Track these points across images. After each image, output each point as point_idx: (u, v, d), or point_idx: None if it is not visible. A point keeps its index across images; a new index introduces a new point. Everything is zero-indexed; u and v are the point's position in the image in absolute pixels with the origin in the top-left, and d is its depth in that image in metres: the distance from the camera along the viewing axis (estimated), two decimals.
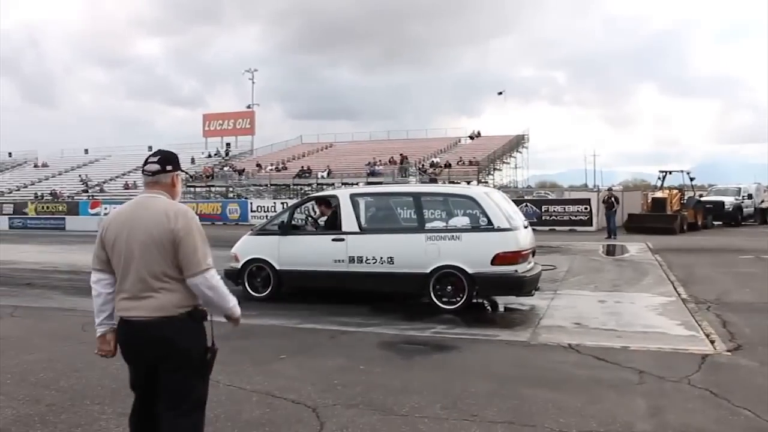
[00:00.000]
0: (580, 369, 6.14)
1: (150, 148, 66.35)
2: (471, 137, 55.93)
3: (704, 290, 10.69)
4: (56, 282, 13.18)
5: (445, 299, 9.07)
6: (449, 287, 9.05)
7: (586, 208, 27.96)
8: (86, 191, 52.58)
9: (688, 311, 8.97)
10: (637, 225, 25.74)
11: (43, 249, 22.31)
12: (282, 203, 33.98)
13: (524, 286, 9.00)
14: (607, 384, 5.62)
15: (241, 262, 10.38)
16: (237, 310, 3.33)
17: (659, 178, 29.20)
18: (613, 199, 24.06)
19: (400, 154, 46.11)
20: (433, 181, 38.41)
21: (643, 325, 8.23)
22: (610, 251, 18.76)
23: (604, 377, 5.83)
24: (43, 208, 44.31)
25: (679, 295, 10.37)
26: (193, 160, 55.83)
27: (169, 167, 3.25)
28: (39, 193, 52.49)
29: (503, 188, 38.13)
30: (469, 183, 36.07)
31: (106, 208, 40.14)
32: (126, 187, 51.26)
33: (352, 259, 9.61)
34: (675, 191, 27.50)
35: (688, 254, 16.79)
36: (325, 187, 39.93)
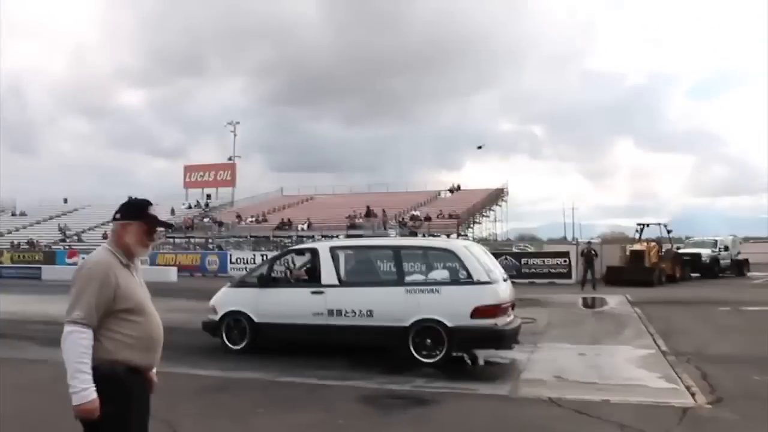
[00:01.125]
0: (561, 423, 6.08)
1: (130, 197, 66.25)
2: (451, 191, 56.35)
3: (684, 342, 10.72)
4: (30, 333, 12.90)
5: (424, 352, 9.00)
6: (429, 340, 8.98)
7: (565, 261, 28.12)
8: (64, 240, 51.99)
9: (668, 363, 8.97)
10: (616, 277, 25.90)
11: (17, 299, 21.87)
12: (262, 255, 33.76)
13: (504, 339, 8.96)
14: None
15: (220, 314, 10.26)
16: (76, 394, 2.88)
17: (637, 231, 29.55)
18: (593, 252, 24.36)
19: (383, 210, 46.31)
20: (413, 234, 38.47)
21: (623, 378, 8.20)
22: (590, 304, 18.81)
23: (585, 431, 5.77)
24: (19, 257, 43.62)
25: (658, 347, 10.38)
26: (173, 211, 55.55)
27: (117, 215, 3.25)
28: (16, 242, 51.77)
29: (483, 241, 38.30)
30: (448, 236, 36.15)
31: (83, 258, 39.66)
32: (105, 237, 50.74)
33: (331, 312, 9.53)
34: (653, 244, 27.79)
35: (666, 306, 16.88)
36: (305, 239, 39.84)
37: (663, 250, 27.86)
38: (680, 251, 30.13)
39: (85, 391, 2.86)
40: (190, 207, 59.33)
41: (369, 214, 45.62)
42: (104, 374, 2.94)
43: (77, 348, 2.89)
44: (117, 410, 2.95)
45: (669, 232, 29.36)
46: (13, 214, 63.99)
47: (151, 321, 3.15)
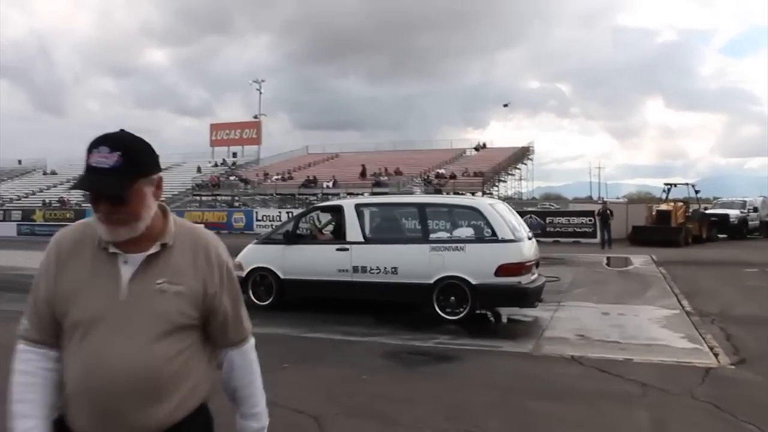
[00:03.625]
0: (583, 381, 6.10)
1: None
2: (476, 149, 55.91)
3: (708, 303, 10.63)
4: None
5: (448, 310, 9.05)
6: (453, 298, 9.03)
7: (590, 220, 27.85)
8: None
9: (692, 324, 8.93)
10: (641, 237, 25.67)
11: None
12: (287, 213, 33.95)
13: (527, 297, 8.97)
14: (610, 396, 5.59)
15: (246, 271, 10.37)
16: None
17: (664, 191, 29.12)
18: (608, 211, 24.29)
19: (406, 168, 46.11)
20: (438, 192, 38.35)
21: (646, 338, 8.18)
22: (614, 263, 18.69)
23: (607, 390, 5.80)
24: (51, 215, 44.40)
25: (683, 307, 10.32)
26: (199, 169, 55.97)
27: None
28: (47, 201, 52.66)
29: (508, 199, 38.06)
30: (473, 194, 36.00)
31: None
32: None
33: (356, 269, 9.61)
34: (680, 204, 27.40)
35: (692, 267, 16.71)
36: (330, 197, 39.92)
37: (690, 210, 27.49)
38: (708, 212, 29.70)
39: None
40: (216, 165, 59.67)
41: (395, 171, 45.50)
42: None
43: (14, 380, 1.76)
44: None
45: (697, 192, 28.89)
46: (44, 173, 64.96)
47: (97, 356, 1.69)
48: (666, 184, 29.31)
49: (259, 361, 2.03)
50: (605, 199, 33.31)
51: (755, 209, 31.08)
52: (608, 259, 19.93)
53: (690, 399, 5.45)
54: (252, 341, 2.02)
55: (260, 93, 65.85)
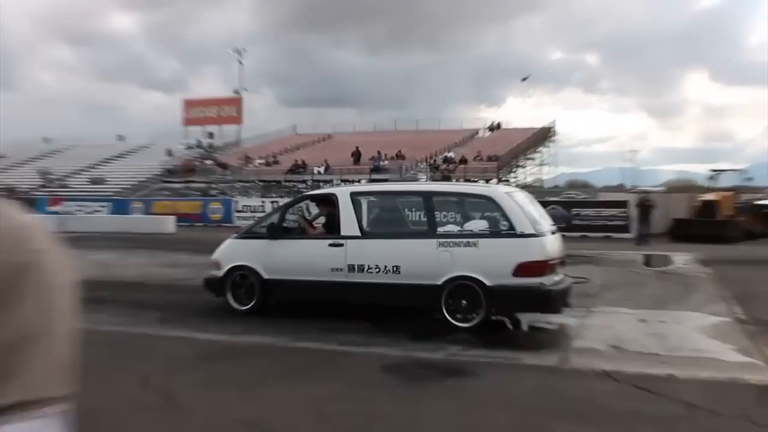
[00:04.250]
0: (618, 400, 6.06)
1: (121, 137, 66.67)
2: (491, 129, 55.88)
3: (763, 309, 10.57)
4: None
5: (459, 315, 9.01)
6: (464, 301, 8.99)
7: (623, 212, 27.78)
8: (46, 186, 52.66)
9: (745, 334, 8.88)
10: (683, 232, 25.61)
11: None
12: (272, 202, 33.93)
13: (551, 301, 8.93)
14: (649, 418, 5.54)
15: (224, 270, 10.34)
16: None
17: (710, 178, 29.11)
18: (649, 202, 24.07)
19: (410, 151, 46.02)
20: (447, 178, 38.34)
21: (691, 350, 8.14)
22: (653, 262, 18.65)
23: (646, 410, 5.75)
24: None
25: (734, 314, 10.28)
26: (170, 152, 55.92)
27: None
28: None
29: (527, 188, 37.99)
30: (487, 181, 35.97)
31: (68, 206, 40.17)
32: (93, 182, 51.35)
33: (351, 268, 9.56)
34: (728, 193, 27.37)
35: (744, 267, 16.67)
36: (322, 184, 39.87)
37: (740, 200, 27.45)
38: (761, 203, 29.67)
39: None
40: (189, 147, 59.61)
41: (396, 155, 45.47)
42: None
43: None
44: None
45: (748, 180, 28.89)
46: None
47: None
48: (712, 171, 29.36)
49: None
50: (646, 189, 33.27)
51: None
52: (645, 257, 19.90)
53: (746, 422, 5.38)
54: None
55: (241, 65, 65.75)
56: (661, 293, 12.65)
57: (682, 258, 18.79)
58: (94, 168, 55.70)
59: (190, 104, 64.84)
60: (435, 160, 45.55)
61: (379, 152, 45.16)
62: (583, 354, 7.84)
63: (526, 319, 9.75)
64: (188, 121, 63.59)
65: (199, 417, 5.29)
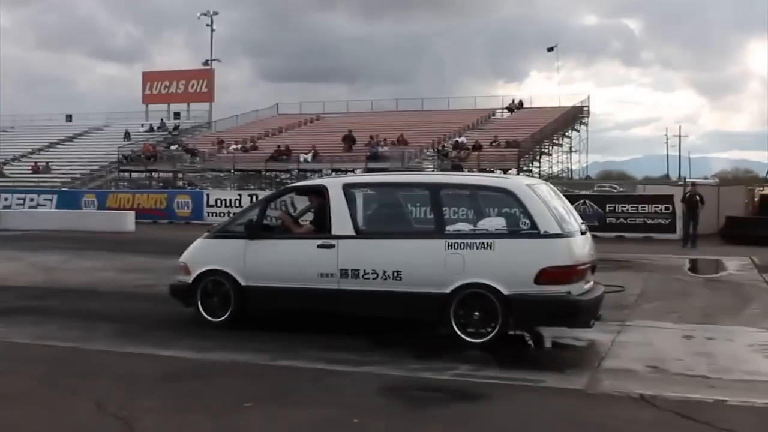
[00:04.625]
0: (657, 429, 6.12)
1: (69, 117, 66.53)
2: (510, 109, 55.91)
3: None
4: None
5: (470, 329, 9.04)
6: (477, 313, 9.02)
7: (667, 209, 27.83)
8: None
9: None
10: (738, 232, 25.66)
11: None
12: (250, 195, 33.99)
13: (580, 313, 8.96)
14: None
15: (194, 275, 10.37)
16: None
17: None
18: (697, 197, 24.08)
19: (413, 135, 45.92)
20: (458, 168, 38.36)
21: (745, 371, 8.18)
22: (701, 268, 18.70)
23: None
24: None
25: None
26: (128, 135, 55.88)
27: None
28: None
29: (553, 179, 38.07)
30: (506, 172, 36.01)
31: (6, 199, 40.16)
32: (35, 170, 51.27)
33: (344, 273, 9.58)
34: None
35: None
36: (309, 174, 39.89)
37: None
38: None
39: None
40: (151, 129, 59.59)
41: (398, 140, 45.47)
42: None
43: None
44: None
45: None
46: None
47: None
48: None
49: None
50: (693, 181, 33.31)
51: None
52: (692, 261, 19.95)
53: None
54: None
55: (212, 30, 65.66)
56: (711, 305, 12.71)
57: (735, 263, 18.85)
58: (37, 154, 55.63)
59: (151, 78, 64.81)
60: (443, 147, 45.53)
61: (376, 137, 45.15)
62: (617, 376, 7.88)
63: (550, 334, 9.78)
64: (149, 98, 63.60)
65: None
